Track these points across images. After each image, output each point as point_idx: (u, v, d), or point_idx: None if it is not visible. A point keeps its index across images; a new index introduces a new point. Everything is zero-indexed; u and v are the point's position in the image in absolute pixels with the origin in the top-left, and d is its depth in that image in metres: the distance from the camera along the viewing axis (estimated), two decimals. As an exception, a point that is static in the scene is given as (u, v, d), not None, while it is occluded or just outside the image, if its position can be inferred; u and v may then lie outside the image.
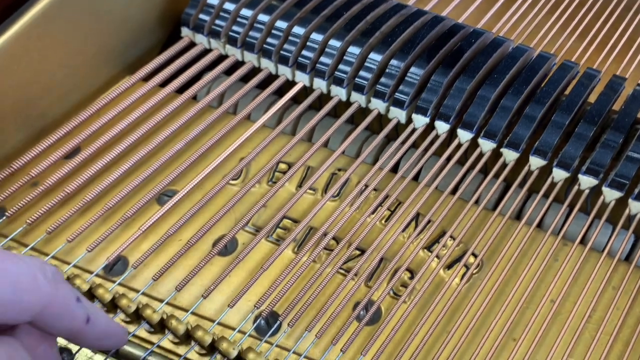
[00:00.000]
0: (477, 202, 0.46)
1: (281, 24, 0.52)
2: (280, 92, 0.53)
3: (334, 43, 0.51)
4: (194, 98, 0.53)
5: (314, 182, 0.47)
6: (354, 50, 0.50)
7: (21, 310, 0.26)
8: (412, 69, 0.49)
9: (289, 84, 0.52)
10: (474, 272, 0.43)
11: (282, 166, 0.50)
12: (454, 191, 0.47)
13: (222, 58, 0.54)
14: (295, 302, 0.40)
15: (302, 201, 0.47)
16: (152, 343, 0.39)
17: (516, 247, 0.43)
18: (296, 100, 0.53)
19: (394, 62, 0.50)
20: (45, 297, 0.26)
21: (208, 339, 0.37)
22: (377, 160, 0.51)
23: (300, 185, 0.49)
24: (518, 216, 0.48)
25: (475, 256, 0.44)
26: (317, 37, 0.51)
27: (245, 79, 0.53)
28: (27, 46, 0.48)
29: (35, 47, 0.48)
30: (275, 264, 0.42)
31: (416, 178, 0.50)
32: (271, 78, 0.53)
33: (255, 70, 0.53)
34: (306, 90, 0.52)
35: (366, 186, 0.47)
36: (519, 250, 0.43)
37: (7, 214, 0.44)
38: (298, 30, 0.52)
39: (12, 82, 0.48)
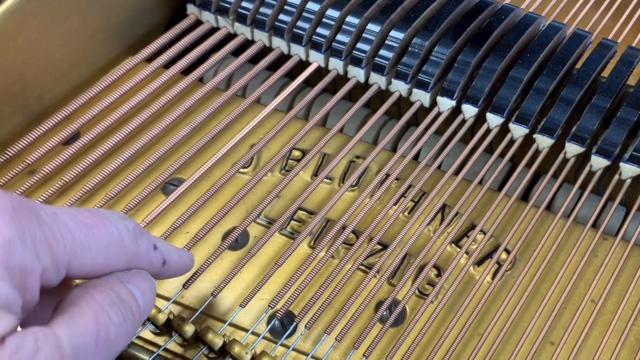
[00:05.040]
0: (508, 192, 0.42)
1: (294, 0, 0.48)
2: (291, 74, 0.49)
3: (352, 20, 0.47)
4: (200, 80, 0.50)
5: (331, 171, 0.44)
6: (374, 27, 0.46)
7: (110, 270, 0.27)
8: (437, 48, 0.45)
9: (302, 64, 0.49)
10: (507, 269, 0.40)
11: (296, 153, 0.46)
12: (481, 180, 0.43)
13: (230, 37, 0.50)
14: (313, 301, 0.37)
15: (317, 191, 0.44)
16: (157, 346, 0.36)
17: (552, 242, 0.40)
18: (308, 83, 0.49)
19: (417, 40, 0.46)
20: (129, 255, 0.27)
21: (219, 342, 0.34)
22: (396, 146, 0.48)
23: (315, 174, 0.45)
24: (550, 207, 0.45)
25: (508, 251, 0.40)
26: (333, 13, 0.48)
27: (255, 59, 0.49)
28: (22, 23, 0.44)
29: (31, 23, 0.45)
30: (289, 259, 0.39)
31: (438, 166, 0.46)
32: (283, 58, 0.49)
33: (265, 50, 0.50)
34: (320, 72, 0.49)
35: (387, 175, 0.43)
36: (556, 246, 0.39)
37: (1, 204, 0.40)
38: (313, 6, 0.48)
39: (7, 62, 0.44)
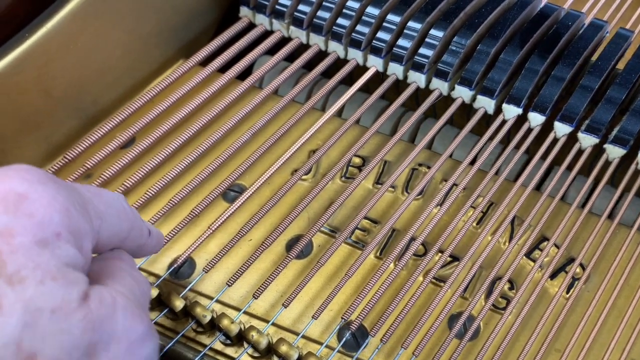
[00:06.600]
0: (583, 205, 0.41)
1: (353, 4, 0.48)
2: (327, 74, 0.48)
3: (414, 25, 0.46)
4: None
5: (396, 179, 0.43)
6: (437, 32, 0.46)
7: (120, 236, 0.28)
8: (504, 55, 0.44)
9: (359, 69, 0.48)
10: (583, 284, 0.39)
11: (356, 160, 0.46)
12: (538, 187, 0.42)
13: (284, 40, 0.50)
14: (387, 314, 0.36)
15: (380, 199, 0.43)
16: (228, 357, 0.35)
17: (628, 256, 0.39)
18: (352, 84, 0.47)
19: (482, 47, 0.45)
20: (130, 221, 0.28)
21: (294, 354, 0.34)
22: (452, 153, 0.47)
23: (377, 182, 0.45)
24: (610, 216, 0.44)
25: (583, 266, 0.39)
26: (394, 18, 0.47)
27: (309, 64, 0.48)
28: (84, 24, 0.44)
29: (92, 25, 0.44)
30: (356, 269, 0.38)
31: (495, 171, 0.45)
32: (339, 63, 0.48)
33: (321, 54, 0.49)
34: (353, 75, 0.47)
35: (455, 185, 0.42)
36: (633, 260, 0.38)
37: (62, 209, 0.40)
38: (372, 10, 0.47)
39: (66, 64, 0.44)
